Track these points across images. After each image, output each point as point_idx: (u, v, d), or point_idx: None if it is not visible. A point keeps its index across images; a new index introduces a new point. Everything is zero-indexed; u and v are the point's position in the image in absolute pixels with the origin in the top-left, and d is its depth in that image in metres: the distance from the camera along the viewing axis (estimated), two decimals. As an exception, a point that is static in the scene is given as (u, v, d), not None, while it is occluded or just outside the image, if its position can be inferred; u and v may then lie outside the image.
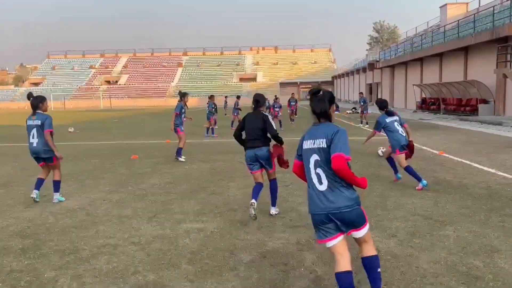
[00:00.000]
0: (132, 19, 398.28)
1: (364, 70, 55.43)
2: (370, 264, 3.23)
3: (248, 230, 5.20)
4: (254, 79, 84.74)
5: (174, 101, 13.62)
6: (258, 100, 5.89)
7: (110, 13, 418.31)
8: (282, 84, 78.66)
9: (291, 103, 23.77)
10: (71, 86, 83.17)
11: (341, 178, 3.07)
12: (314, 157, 3.16)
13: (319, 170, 3.14)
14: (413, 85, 36.34)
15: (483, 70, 25.94)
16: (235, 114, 21.19)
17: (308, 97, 3.35)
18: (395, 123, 7.27)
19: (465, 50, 28.66)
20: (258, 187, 5.76)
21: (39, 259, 4.44)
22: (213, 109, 17.83)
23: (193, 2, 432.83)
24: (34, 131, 6.57)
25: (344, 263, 3.09)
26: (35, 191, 6.75)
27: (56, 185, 6.83)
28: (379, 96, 50.04)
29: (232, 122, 21.18)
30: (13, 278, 3.98)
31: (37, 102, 6.64)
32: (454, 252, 4.35)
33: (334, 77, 78.74)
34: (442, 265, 4.04)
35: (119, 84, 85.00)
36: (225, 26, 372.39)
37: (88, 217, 5.93)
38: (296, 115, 24.05)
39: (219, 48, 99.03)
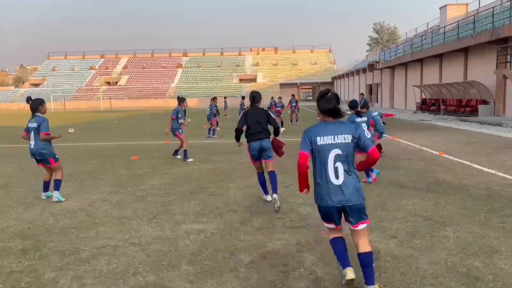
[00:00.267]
0: (132, 20, 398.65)
1: (364, 71, 55.41)
2: (366, 260, 3.44)
3: (248, 231, 5.21)
4: (254, 79, 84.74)
5: (174, 102, 13.71)
6: (255, 96, 6.55)
7: (110, 13, 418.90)
8: (282, 85, 78.64)
9: (292, 104, 23.82)
10: (71, 87, 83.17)
11: (354, 173, 3.47)
12: (335, 152, 3.41)
13: (338, 164, 3.41)
14: (413, 86, 36.36)
15: (483, 71, 25.95)
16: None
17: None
18: (363, 124, 7.62)
19: (465, 51, 28.68)
20: (262, 179, 6.51)
21: (39, 260, 4.44)
22: (216, 111, 18.13)
23: (193, 2, 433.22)
24: (33, 133, 6.77)
25: (336, 233, 3.61)
26: (44, 193, 7.06)
27: (57, 184, 6.93)
28: (379, 97, 50.13)
29: None
30: (13, 279, 3.98)
31: (36, 105, 6.84)
32: (454, 253, 4.35)
33: (334, 78, 78.70)
34: (442, 266, 4.04)
35: (119, 85, 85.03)
36: (225, 27, 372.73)
37: (88, 218, 5.94)
38: (297, 116, 24.12)
39: (219, 49, 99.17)
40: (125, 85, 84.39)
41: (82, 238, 5.08)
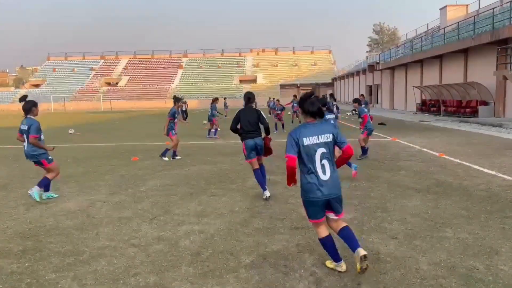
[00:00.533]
0: (132, 20, 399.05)
1: (364, 71, 55.44)
2: (347, 233, 3.86)
3: (249, 232, 5.21)
4: (254, 80, 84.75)
5: (174, 103, 13.68)
6: (250, 97, 6.92)
7: (110, 14, 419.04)
8: (282, 86, 78.66)
9: (294, 104, 23.80)
10: (71, 88, 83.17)
11: (336, 168, 3.87)
12: (321, 150, 3.75)
13: (324, 162, 3.76)
14: (413, 86, 36.36)
15: (483, 72, 25.96)
16: None
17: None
18: (331, 121, 8.21)
19: (465, 52, 28.69)
20: (258, 174, 6.80)
21: (40, 261, 4.44)
22: (217, 112, 18.25)
23: (193, 3, 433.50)
24: (25, 135, 6.78)
25: (324, 231, 3.90)
26: (44, 194, 7.08)
27: (43, 181, 6.92)
28: (380, 98, 50.13)
29: None
30: (13, 280, 3.98)
31: (28, 106, 6.78)
32: (454, 254, 4.35)
33: (334, 79, 78.72)
34: (442, 267, 4.04)
35: (119, 86, 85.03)
36: (225, 28, 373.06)
37: (88, 219, 5.94)
38: (299, 117, 24.12)
39: (219, 50, 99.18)
40: (125, 86, 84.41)
41: (83, 239, 5.09)
